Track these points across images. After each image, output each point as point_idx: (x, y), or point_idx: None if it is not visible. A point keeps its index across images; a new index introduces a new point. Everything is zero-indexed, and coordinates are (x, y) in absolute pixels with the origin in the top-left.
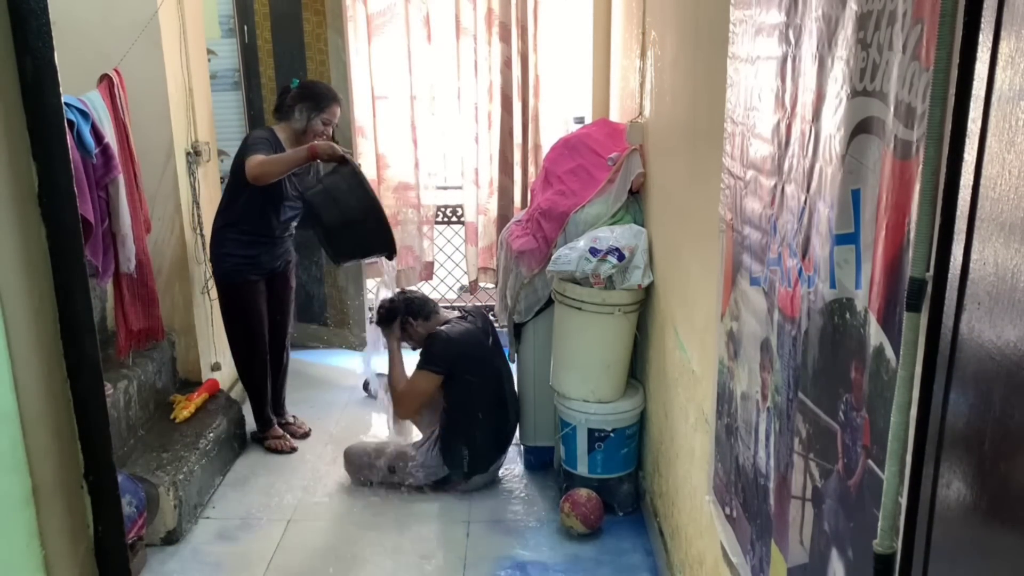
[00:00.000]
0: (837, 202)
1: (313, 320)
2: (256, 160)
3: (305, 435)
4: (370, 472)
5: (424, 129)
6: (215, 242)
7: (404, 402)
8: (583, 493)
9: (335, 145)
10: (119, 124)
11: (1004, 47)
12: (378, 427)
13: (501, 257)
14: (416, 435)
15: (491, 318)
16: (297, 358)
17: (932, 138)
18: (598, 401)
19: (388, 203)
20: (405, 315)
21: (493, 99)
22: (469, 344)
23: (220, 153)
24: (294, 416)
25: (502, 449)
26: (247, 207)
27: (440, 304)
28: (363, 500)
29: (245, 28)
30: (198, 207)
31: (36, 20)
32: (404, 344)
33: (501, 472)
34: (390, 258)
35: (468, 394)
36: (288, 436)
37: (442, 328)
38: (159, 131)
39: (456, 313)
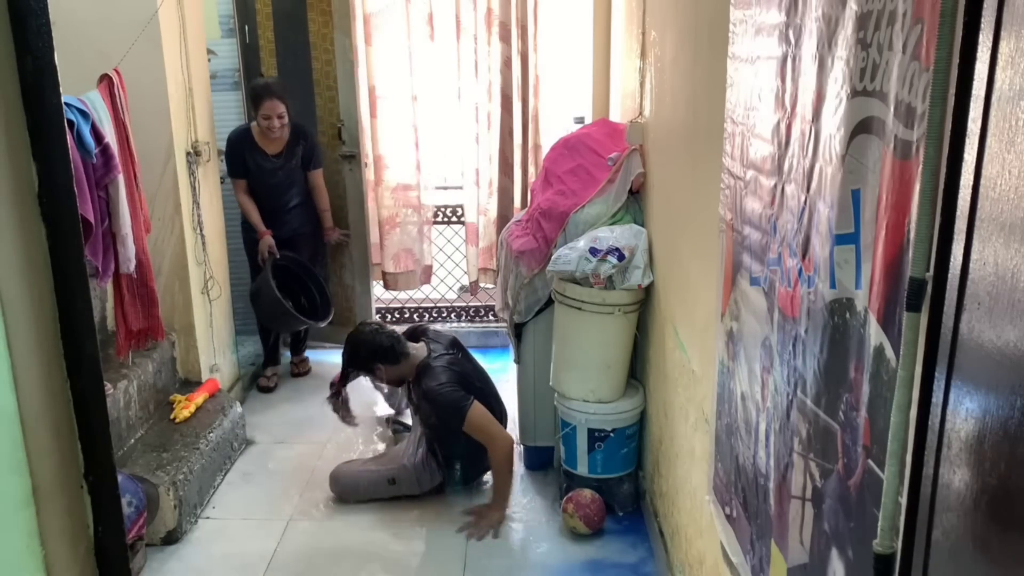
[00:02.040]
0: (837, 202)
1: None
2: (237, 188)
3: (300, 375)
4: (371, 491)
5: (424, 129)
6: (241, 224)
7: (494, 440)
8: (587, 494)
9: (267, 249)
10: (119, 124)
11: (1004, 47)
12: (361, 445)
13: (501, 257)
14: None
15: (456, 339)
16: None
17: (932, 138)
18: (598, 401)
19: (387, 204)
20: (373, 362)
21: (493, 99)
22: (454, 369)
23: (220, 153)
24: (307, 356)
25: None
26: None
27: (436, 302)
28: (362, 500)
29: (246, 28)
30: (198, 207)
31: (36, 20)
32: (379, 385)
33: None
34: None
35: None
36: (274, 377)
37: (432, 371)
38: (159, 131)
39: (421, 345)
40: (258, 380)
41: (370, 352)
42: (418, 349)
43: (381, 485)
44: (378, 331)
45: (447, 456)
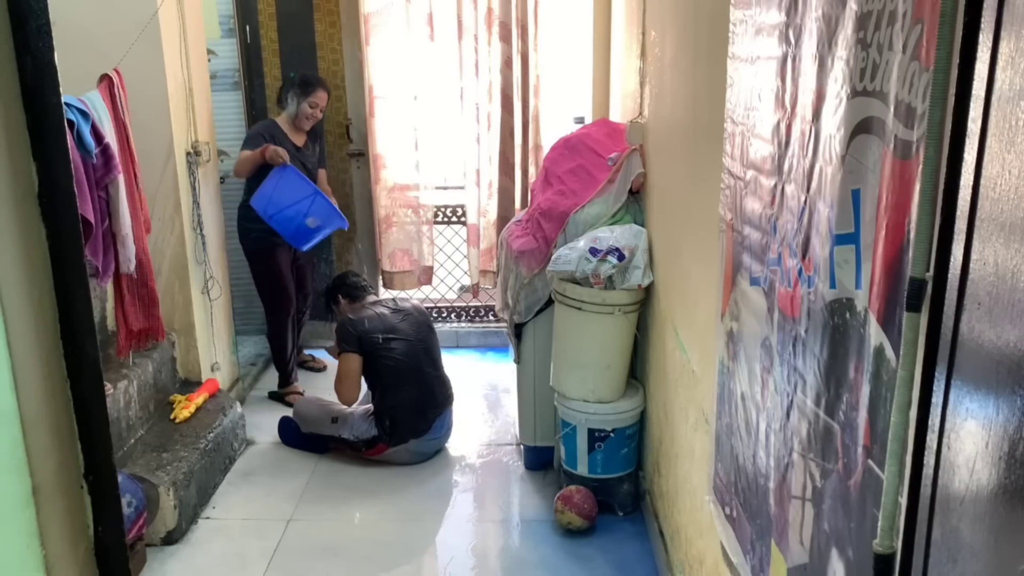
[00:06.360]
0: (837, 202)
1: (322, 318)
2: (239, 158)
3: (321, 369)
4: (317, 423)
5: (424, 129)
6: (240, 217)
7: (340, 386)
8: (573, 489)
9: (280, 152)
10: (119, 124)
11: (1004, 47)
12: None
13: (501, 257)
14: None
15: (424, 309)
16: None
17: (932, 138)
18: (598, 401)
19: (385, 204)
20: (338, 291)
21: (493, 99)
22: (371, 326)
23: (220, 153)
24: (312, 355)
25: (426, 420)
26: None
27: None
28: (363, 500)
29: (247, 28)
30: (198, 207)
31: (36, 20)
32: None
33: (503, 472)
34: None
35: (382, 370)
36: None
37: (348, 316)
38: (159, 131)
39: (376, 300)
40: (288, 400)
41: (340, 283)
42: (371, 303)
43: (325, 421)
44: (356, 277)
45: (378, 410)
